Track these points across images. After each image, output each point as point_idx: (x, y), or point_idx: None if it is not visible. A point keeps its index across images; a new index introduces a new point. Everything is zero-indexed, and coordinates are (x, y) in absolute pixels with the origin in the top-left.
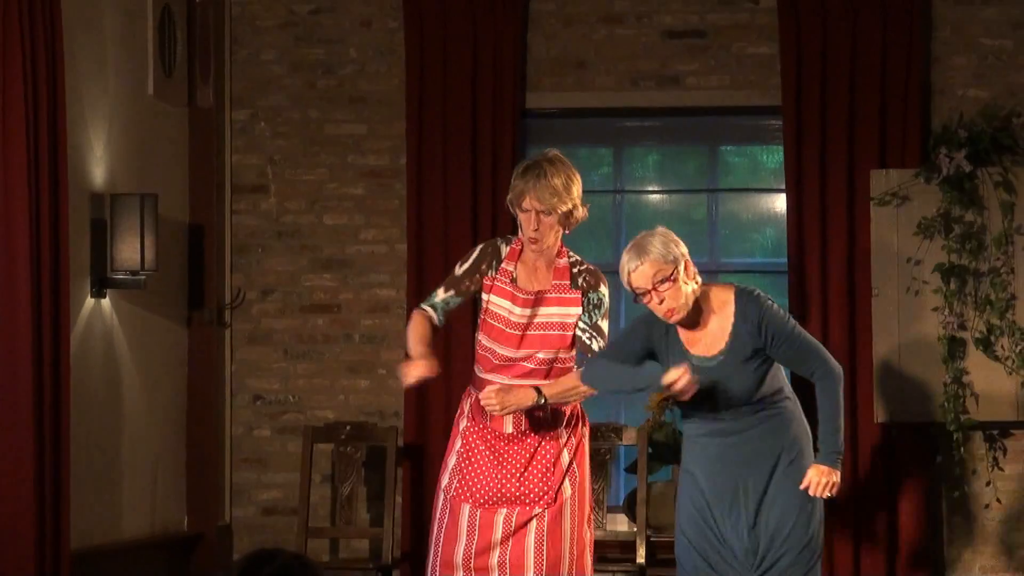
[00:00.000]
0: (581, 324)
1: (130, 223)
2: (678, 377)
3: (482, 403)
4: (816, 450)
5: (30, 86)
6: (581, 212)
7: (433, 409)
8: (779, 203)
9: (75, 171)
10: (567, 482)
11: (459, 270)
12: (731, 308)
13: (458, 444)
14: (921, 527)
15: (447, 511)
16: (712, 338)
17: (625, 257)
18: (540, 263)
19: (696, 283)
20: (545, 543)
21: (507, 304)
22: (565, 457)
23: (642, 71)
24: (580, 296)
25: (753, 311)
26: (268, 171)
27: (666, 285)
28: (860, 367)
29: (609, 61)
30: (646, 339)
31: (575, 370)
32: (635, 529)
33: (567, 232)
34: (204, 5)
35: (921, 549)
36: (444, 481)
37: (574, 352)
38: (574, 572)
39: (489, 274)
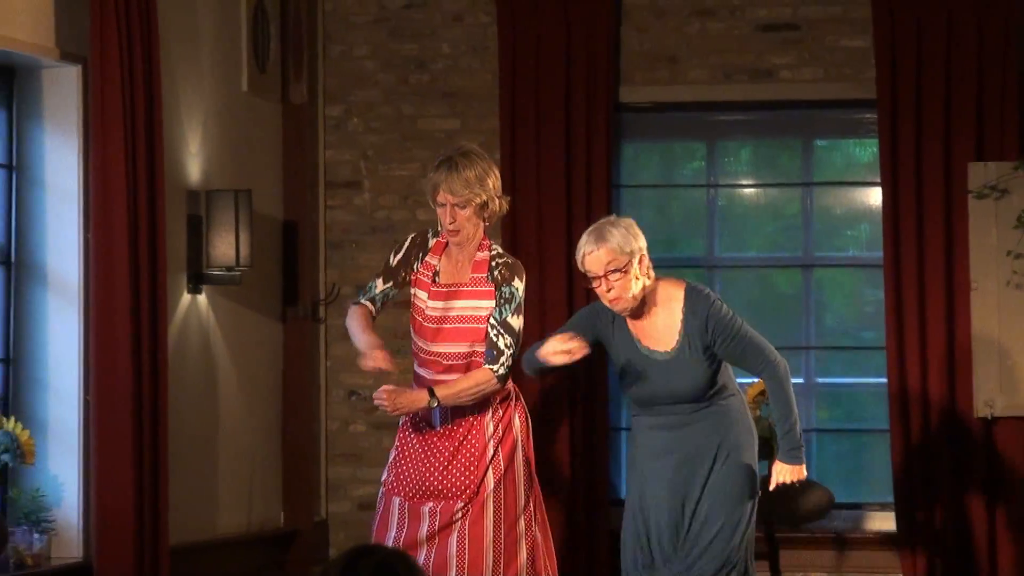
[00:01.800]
0: (492, 320)
1: (225, 219)
2: (554, 349)
3: (375, 402)
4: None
5: (127, 84)
6: (499, 204)
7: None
8: (874, 197)
9: (171, 168)
10: (490, 475)
11: (393, 260)
12: (679, 304)
13: (397, 439)
14: (1022, 522)
15: (382, 504)
16: (663, 332)
17: (583, 239)
18: (462, 256)
19: (648, 278)
20: (467, 546)
21: (424, 296)
22: (490, 450)
23: (735, 64)
24: (494, 289)
25: (701, 308)
26: (361, 166)
27: (617, 275)
28: (959, 362)
29: (702, 55)
30: (591, 328)
31: (479, 368)
32: None
33: (487, 224)
34: (297, 1)
35: (1022, 545)
36: (383, 475)
37: None
38: (500, 570)
39: (415, 267)
